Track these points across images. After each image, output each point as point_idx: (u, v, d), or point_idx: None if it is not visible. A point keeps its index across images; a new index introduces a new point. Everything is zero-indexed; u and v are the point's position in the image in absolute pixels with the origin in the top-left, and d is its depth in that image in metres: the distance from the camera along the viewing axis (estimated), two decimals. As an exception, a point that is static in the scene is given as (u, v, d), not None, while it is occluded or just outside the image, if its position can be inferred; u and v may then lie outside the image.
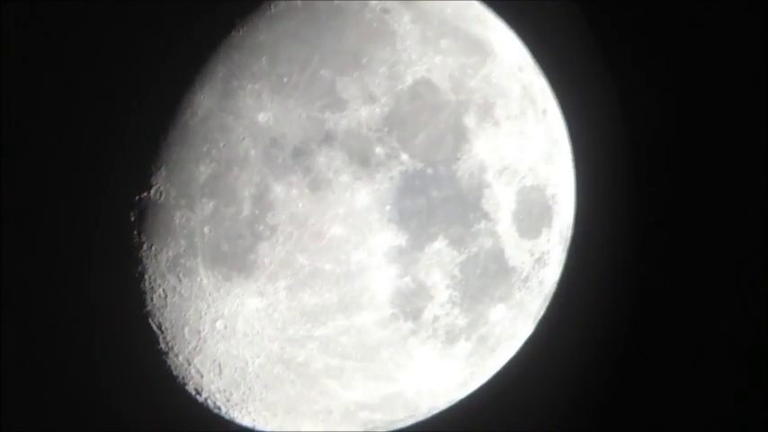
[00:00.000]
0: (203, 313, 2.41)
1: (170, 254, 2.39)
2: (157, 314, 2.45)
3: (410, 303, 2.46)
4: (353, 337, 2.45)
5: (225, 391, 2.55)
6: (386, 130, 2.39)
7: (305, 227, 2.34)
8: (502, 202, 2.55)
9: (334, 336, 2.43)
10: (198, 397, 2.59)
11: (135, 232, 2.41)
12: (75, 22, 2.50)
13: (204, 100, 2.38)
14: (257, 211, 2.34)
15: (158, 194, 2.38)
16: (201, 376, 2.52)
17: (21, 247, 2.56)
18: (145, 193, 2.39)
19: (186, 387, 2.57)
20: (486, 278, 2.55)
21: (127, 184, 2.41)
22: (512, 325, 2.73)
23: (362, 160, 2.37)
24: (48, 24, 2.55)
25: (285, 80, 2.37)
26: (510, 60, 2.68)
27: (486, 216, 2.51)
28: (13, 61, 2.54)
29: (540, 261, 2.70)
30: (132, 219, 2.41)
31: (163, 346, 2.49)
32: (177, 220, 2.37)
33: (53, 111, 2.49)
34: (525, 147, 2.62)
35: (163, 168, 2.38)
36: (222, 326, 2.42)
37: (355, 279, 2.39)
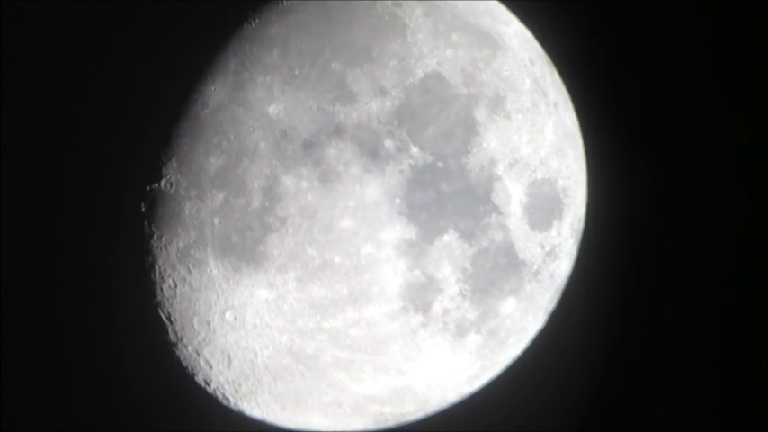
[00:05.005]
0: (213, 304, 2.41)
1: (180, 245, 2.39)
2: (167, 304, 2.45)
3: (420, 296, 2.45)
4: (363, 329, 2.43)
5: (234, 382, 2.54)
6: (396, 123, 2.39)
7: (314, 219, 2.33)
8: (512, 195, 2.54)
9: (344, 328, 2.42)
10: (207, 388, 2.58)
11: (145, 223, 2.41)
12: (88, 15, 2.52)
13: (215, 92, 2.39)
14: (267, 203, 2.34)
15: (169, 185, 2.38)
16: (211, 367, 2.51)
17: (32, 238, 2.57)
18: (156, 184, 2.39)
19: (195, 378, 2.57)
20: (496, 271, 2.53)
21: (138, 174, 2.41)
22: (522, 318, 2.71)
23: (372, 153, 2.36)
24: (60, 17, 2.57)
25: (296, 73, 2.37)
26: (521, 54, 2.68)
27: (496, 209, 2.50)
28: (26, 54, 2.56)
29: (550, 254, 2.69)
30: (143, 209, 2.41)
31: (172, 336, 2.49)
32: (187, 211, 2.37)
33: (64, 102, 2.50)
34: (536, 140, 2.62)
35: (174, 160, 2.38)
36: (231, 317, 2.41)
37: (365, 272, 2.37)
